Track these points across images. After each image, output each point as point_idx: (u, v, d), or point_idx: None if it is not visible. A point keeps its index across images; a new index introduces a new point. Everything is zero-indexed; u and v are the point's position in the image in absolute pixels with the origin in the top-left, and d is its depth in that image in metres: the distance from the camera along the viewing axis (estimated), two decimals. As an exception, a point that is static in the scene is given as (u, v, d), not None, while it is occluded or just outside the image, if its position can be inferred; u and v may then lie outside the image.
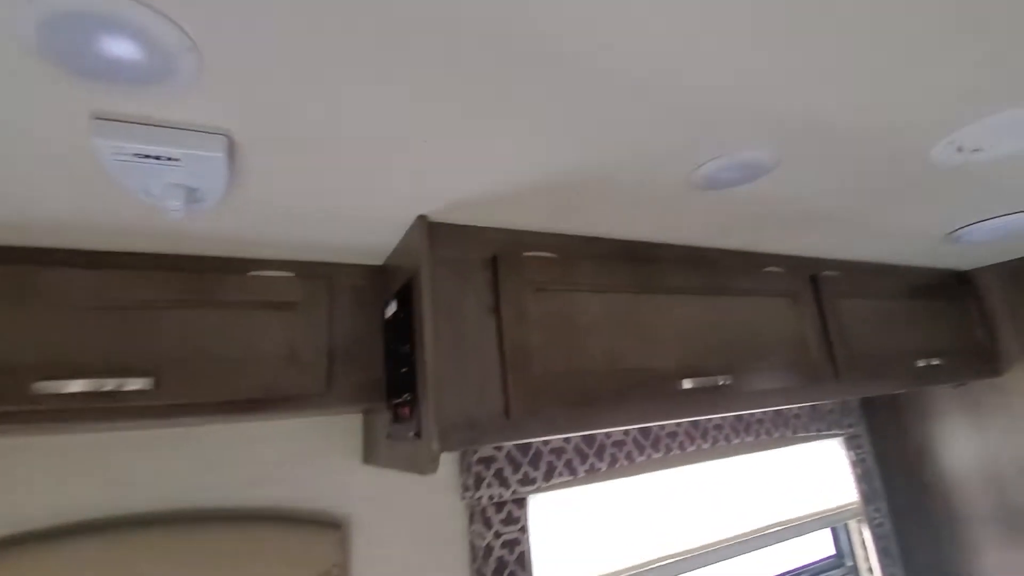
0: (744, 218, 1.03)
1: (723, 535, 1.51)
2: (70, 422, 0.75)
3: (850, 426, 1.84)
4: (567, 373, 0.91)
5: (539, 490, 1.23)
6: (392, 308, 0.94)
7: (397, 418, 0.89)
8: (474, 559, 1.14)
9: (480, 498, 1.15)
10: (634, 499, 1.41)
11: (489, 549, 1.14)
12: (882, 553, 1.75)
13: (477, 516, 1.15)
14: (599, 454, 1.32)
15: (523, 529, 1.19)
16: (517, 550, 1.16)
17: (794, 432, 1.67)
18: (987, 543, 1.64)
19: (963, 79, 0.63)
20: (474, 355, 0.85)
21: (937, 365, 1.46)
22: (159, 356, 0.82)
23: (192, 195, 0.65)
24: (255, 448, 1.04)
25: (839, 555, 1.79)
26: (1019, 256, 1.61)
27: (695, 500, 1.51)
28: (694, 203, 0.93)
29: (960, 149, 0.81)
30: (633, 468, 1.39)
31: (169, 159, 0.57)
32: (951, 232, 1.27)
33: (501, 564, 1.14)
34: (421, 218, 0.85)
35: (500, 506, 1.18)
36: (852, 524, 1.80)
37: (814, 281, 1.32)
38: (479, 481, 1.16)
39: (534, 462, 1.23)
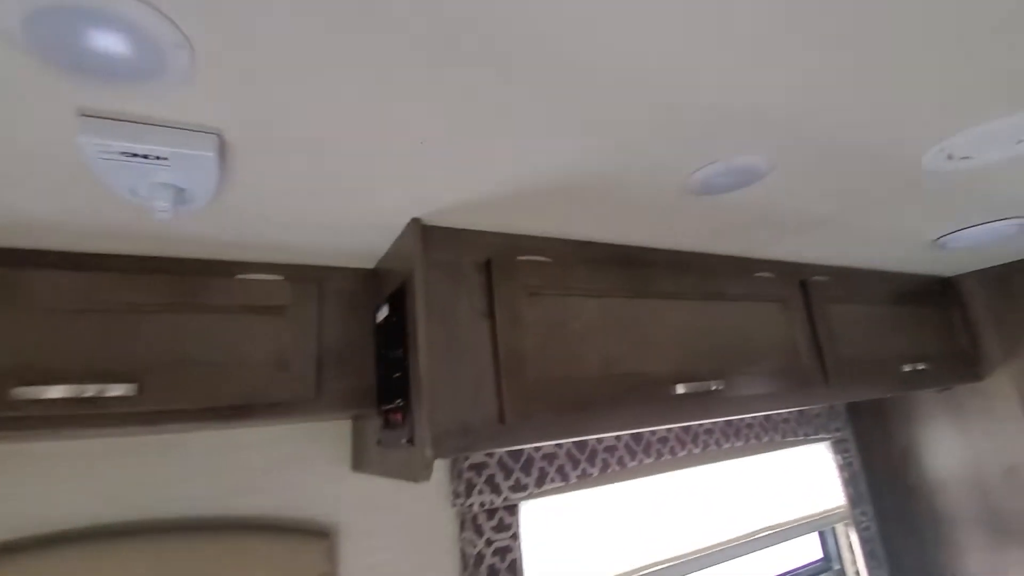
0: (737, 223, 1.04)
1: (714, 540, 1.51)
2: (50, 429, 0.72)
3: (837, 430, 1.86)
4: (561, 378, 0.90)
5: (531, 496, 1.21)
6: (384, 312, 0.92)
7: (388, 424, 0.88)
8: (465, 567, 1.12)
9: (471, 505, 1.13)
10: (625, 505, 1.41)
11: (480, 557, 1.12)
12: (869, 556, 1.76)
13: (468, 523, 1.14)
14: (591, 459, 1.31)
15: (515, 536, 1.17)
16: (509, 557, 1.15)
17: (783, 436, 1.68)
18: (971, 545, 1.66)
19: (955, 87, 0.64)
20: (468, 360, 0.84)
21: (922, 370, 1.48)
22: (143, 361, 0.80)
23: (180, 196, 0.64)
24: (242, 455, 1.01)
25: (827, 559, 1.80)
26: (1000, 263, 1.64)
27: (686, 505, 1.50)
28: (688, 208, 0.93)
29: (950, 157, 0.82)
30: (625, 473, 1.39)
31: (157, 158, 0.56)
32: (937, 238, 1.29)
33: (492, 572, 1.13)
34: (415, 221, 0.84)
35: (491, 513, 1.16)
36: (839, 528, 1.81)
37: (804, 286, 1.33)
38: (470, 488, 1.14)
39: (526, 468, 1.22)
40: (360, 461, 1.04)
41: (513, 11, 0.45)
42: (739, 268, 1.25)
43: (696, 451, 1.48)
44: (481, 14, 0.45)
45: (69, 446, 0.90)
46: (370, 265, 1.02)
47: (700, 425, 1.51)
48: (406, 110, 0.57)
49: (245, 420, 0.84)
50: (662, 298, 1.08)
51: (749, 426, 1.61)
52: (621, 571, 1.34)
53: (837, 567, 1.78)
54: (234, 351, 0.86)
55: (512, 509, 1.19)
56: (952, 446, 1.71)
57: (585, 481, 1.32)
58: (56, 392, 0.72)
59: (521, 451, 1.23)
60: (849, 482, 1.82)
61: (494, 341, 0.87)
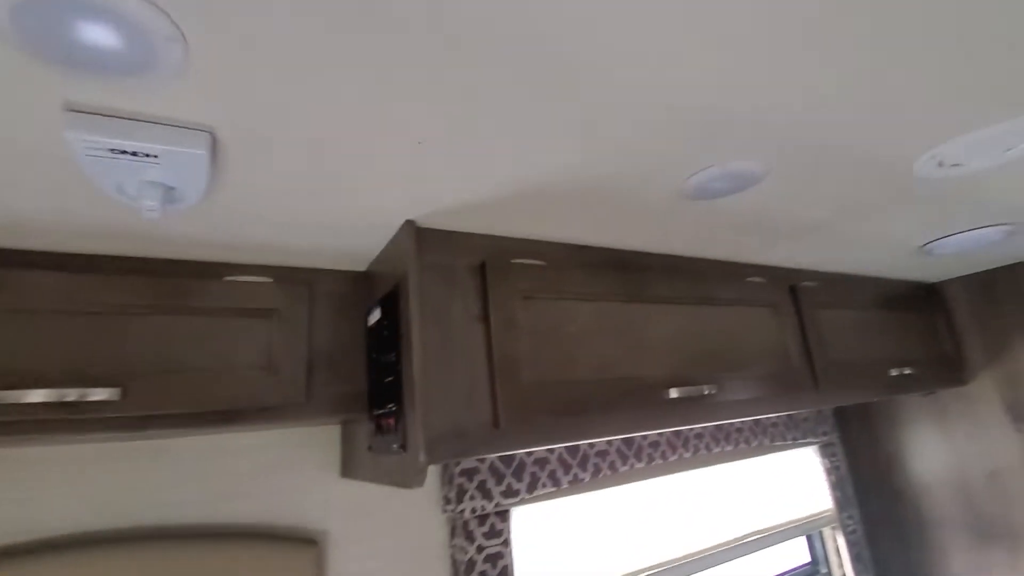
0: (730, 228, 1.04)
1: (704, 544, 1.51)
2: (30, 434, 0.70)
3: (824, 434, 1.87)
4: (556, 382, 0.89)
5: (522, 502, 1.20)
6: (376, 315, 0.91)
7: (380, 429, 0.86)
8: (456, 574, 1.11)
9: (462, 511, 1.12)
10: (616, 510, 1.40)
11: (471, 564, 1.11)
12: (855, 559, 1.78)
13: (459, 530, 1.12)
14: (582, 464, 1.30)
15: (506, 543, 1.16)
16: (500, 564, 1.14)
17: (771, 440, 1.69)
18: (955, 547, 1.68)
19: (948, 95, 0.65)
20: (462, 364, 0.83)
21: (909, 374, 1.50)
22: (127, 365, 0.77)
23: (170, 195, 0.62)
24: (229, 461, 0.99)
25: (814, 562, 1.81)
26: (984, 269, 1.67)
27: (677, 510, 1.50)
28: (683, 213, 0.93)
29: (941, 164, 0.83)
30: (616, 478, 1.38)
31: (147, 155, 0.54)
32: (924, 244, 1.30)
33: (484, 579, 1.11)
34: (409, 223, 0.83)
35: (483, 519, 1.15)
36: (827, 531, 1.82)
37: (794, 292, 1.34)
38: (461, 494, 1.13)
39: (517, 473, 1.21)
40: (349, 467, 1.03)
41: (513, 11, 0.44)
42: (731, 273, 1.25)
43: (687, 455, 1.48)
44: (481, 14, 0.44)
45: (54, 451, 0.88)
46: (362, 267, 1.01)
47: (691, 429, 1.51)
48: (404, 110, 0.56)
49: (233, 425, 0.82)
50: (656, 302, 1.08)
51: (739, 430, 1.62)
52: (612, 577, 1.33)
53: (824, 571, 1.79)
54: (222, 355, 0.84)
55: (503, 515, 1.18)
56: (936, 450, 1.74)
57: (577, 486, 1.31)
58: (36, 396, 0.69)
59: (513, 456, 1.22)
60: (836, 486, 1.84)
61: (488, 345, 0.86)
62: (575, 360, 0.93)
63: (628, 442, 1.39)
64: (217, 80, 0.49)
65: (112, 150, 0.52)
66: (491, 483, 1.17)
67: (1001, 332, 1.62)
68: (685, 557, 1.46)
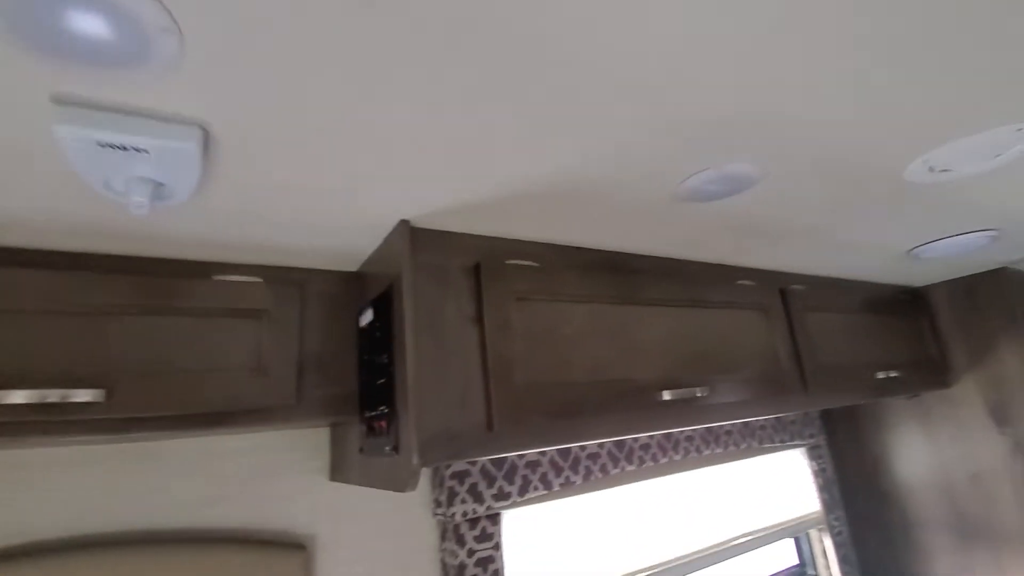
0: (722, 231, 1.05)
1: (694, 547, 1.51)
2: (10, 436, 0.68)
3: (811, 436, 1.89)
4: (550, 384, 0.89)
5: (514, 505, 1.20)
6: (368, 316, 0.90)
7: (372, 432, 0.85)
8: (446, 578, 1.10)
9: (453, 514, 1.11)
10: (606, 512, 1.40)
11: (462, 567, 1.10)
12: (842, 561, 1.79)
13: (450, 533, 1.11)
14: (574, 467, 1.30)
15: (497, 546, 1.15)
16: (491, 568, 1.13)
17: (760, 443, 1.70)
18: (939, 548, 1.70)
19: (941, 101, 0.65)
20: (455, 366, 0.82)
21: (894, 377, 1.52)
22: (112, 365, 0.75)
23: (159, 191, 0.61)
24: (215, 464, 0.97)
25: (802, 564, 1.83)
26: (968, 274, 1.69)
27: (667, 512, 1.50)
28: (677, 215, 0.93)
29: (931, 169, 0.84)
30: (607, 481, 1.38)
31: (137, 150, 0.53)
32: (911, 249, 1.32)
33: (474, 583, 1.10)
34: (403, 223, 0.82)
35: (474, 522, 1.14)
36: (813, 533, 1.83)
37: (783, 295, 1.35)
38: (452, 497, 1.12)
39: (509, 476, 1.20)
40: (339, 470, 1.01)
41: (512, 12, 0.44)
42: (722, 276, 1.26)
43: (677, 458, 1.48)
44: (480, 14, 0.44)
45: (38, 453, 0.85)
46: (353, 268, 0.99)
47: (681, 432, 1.52)
48: (401, 110, 0.56)
49: (222, 427, 0.80)
50: (649, 305, 1.08)
51: (728, 433, 1.63)
52: (603, 580, 1.33)
53: (812, 572, 1.81)
54: (210, 356, 0.82)
55: (494, 518, 1.17)
56: (921, 452, 1.76)
57: (568, 489, 1.31)
58: (17, 397, 0.67)
59: (504, 459, 1.21)
60: (823, 488, 1.85)
61: (482, 346, 0.85)
62: (569, 362, 0.93)
63: (619, 444, 1.39)
64: (212, 74, 0.47)
65: (100, 143, 0.51)
66: (482, 486, 1.16)
67: (984, 336, 1.65)
68: (675, 560, 1.46)
